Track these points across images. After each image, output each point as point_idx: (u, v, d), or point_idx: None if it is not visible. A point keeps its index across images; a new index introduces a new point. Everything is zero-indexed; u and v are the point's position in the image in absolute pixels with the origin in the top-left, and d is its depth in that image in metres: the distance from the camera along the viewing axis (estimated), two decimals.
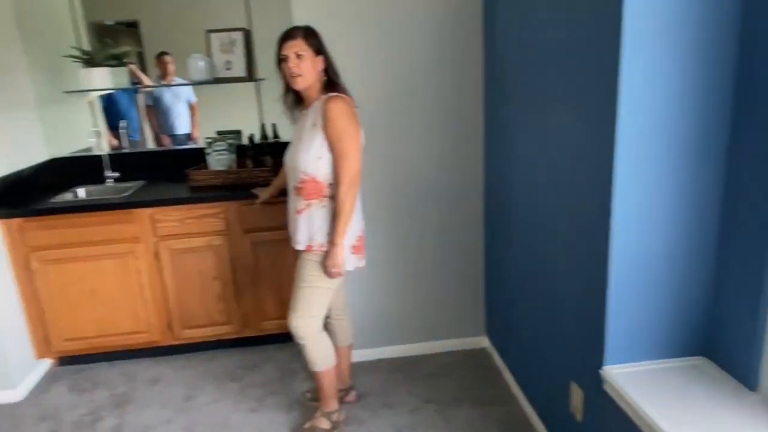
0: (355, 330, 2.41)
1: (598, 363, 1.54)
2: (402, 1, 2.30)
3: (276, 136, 3.10)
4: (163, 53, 3.19)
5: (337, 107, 1.83)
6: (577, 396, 1.72)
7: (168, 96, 3.32)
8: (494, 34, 2.25)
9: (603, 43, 1.38)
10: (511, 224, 2.26)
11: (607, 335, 1.50)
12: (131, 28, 3.19)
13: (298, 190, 1.96)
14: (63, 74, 2.99)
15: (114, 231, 2.58)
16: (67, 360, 2.80)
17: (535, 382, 2.15)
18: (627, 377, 1.47)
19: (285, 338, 2.88)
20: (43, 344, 2.69)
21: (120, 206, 2.56)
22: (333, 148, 1.86)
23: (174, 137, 3.39)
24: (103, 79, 2.79)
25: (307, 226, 1.96)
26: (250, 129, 3.07)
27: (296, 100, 2.02)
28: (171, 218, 2.60)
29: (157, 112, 3.35)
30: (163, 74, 3.22)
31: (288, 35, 1.86)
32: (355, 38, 2.32)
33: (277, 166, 2.83)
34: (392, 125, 2.43)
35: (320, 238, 1.94)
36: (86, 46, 3.02)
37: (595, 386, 1.58)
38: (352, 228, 1.97)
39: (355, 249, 2.00)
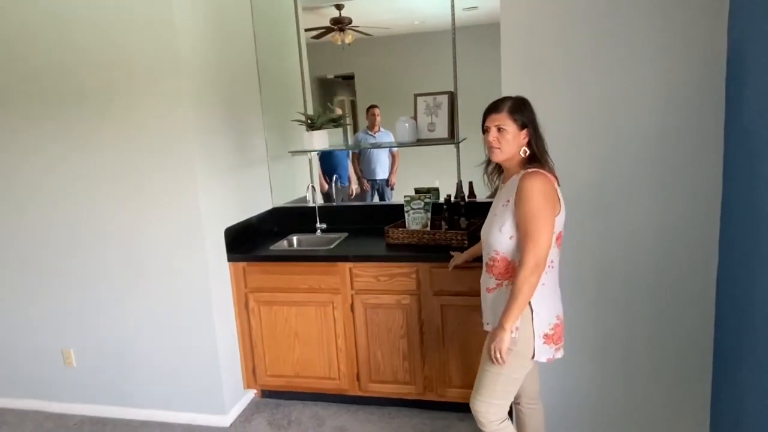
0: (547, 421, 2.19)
1: None
2: (626, 66, 2.10)
3: (472, 194, 3.07)
4: (372, 106, 3.40)
5: (533, 185, 1.72)
6: None
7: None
8: (741, 107, 1.91)
9: None
10: (756, 329, 1.84)
11: None
12: (347, 80, 3.53)
13: (490, 268, 1.89)
14: (288, 133, 3.38)
15: (319, 281, 2.78)
16: (267, 393, 3.07)
17: None
18: None
19: (467, 409, 2.77)
20: (251, 376, 2.99)
21: (326, 259, 2.75)
22: (520, 227, 1.74)
23: (374, 182, 3.59)
24: (322, 140, 3.08)
25: (496, 307, 1.86)
26: (446, 186, 3.09)
27: (498, 170, 1.97)
28: (368, 274, 2.71)
29: (362, 158, 3.57)
30: (371, 125, 3.42)
31: (492, 107, 1.82)
32: (567, 102, 2.18)
33: (471, 228, 2.80)
34: (604, 200, 2.20)
35: None
36: (310, 103, 3.38)
37: None
38: (546, 314, 1.81)
39: (549, 338, 1.81)
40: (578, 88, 2.16)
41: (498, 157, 1.82)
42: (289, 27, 3.34)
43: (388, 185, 3.58)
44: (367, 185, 3.58)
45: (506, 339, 1.74)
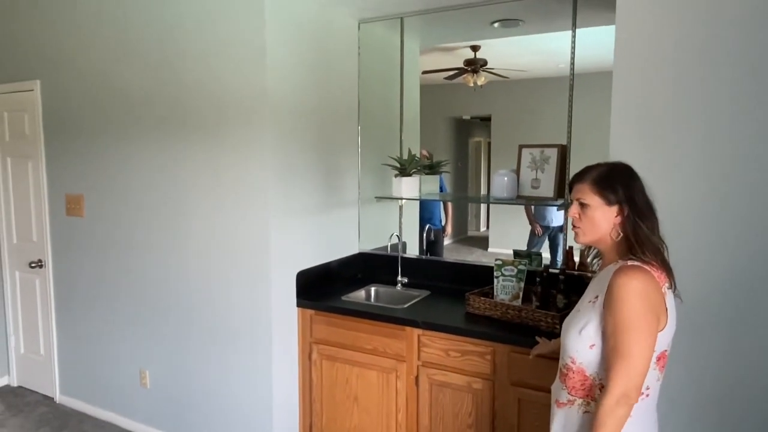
0: None
1: None
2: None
3: (584, 266, 2.58)
4: None
5: (630, 285, 1.28)
6: None
7: None
8: None
9: None
10: None
11: None
12: (485, 121, 3.48)
13: (563, 376, 1.47)
14: (384, 177, 3.18)
15: (384, 344, 2.50)
16: None
17: None
18: None
19: None
20: None
21: (394, 320, 2.47)
22: (608, 338, 1.31)
23: (545, 227, 3.32)
24: (411, 188, 2.83)
25: (562, 429, 1.42)
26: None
27: (599, 251, 1.56)
28: (437, 345, 2.37)
29: None
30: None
31: (577, 176, 1.46)
32: (693, 167, 1.68)
33: (569, 309, 2.31)
34: (740, 305, 1.65)
35: None
36: (415, 145, 3.19)
37: None
38: None
39: None
40: (711, 147, 1.66)
41: (580, 239, 1.45)
42: (407, 67, 3.18)
43: (562, 232, 3.28)
44: (539, 230, 3.34)
45: None
